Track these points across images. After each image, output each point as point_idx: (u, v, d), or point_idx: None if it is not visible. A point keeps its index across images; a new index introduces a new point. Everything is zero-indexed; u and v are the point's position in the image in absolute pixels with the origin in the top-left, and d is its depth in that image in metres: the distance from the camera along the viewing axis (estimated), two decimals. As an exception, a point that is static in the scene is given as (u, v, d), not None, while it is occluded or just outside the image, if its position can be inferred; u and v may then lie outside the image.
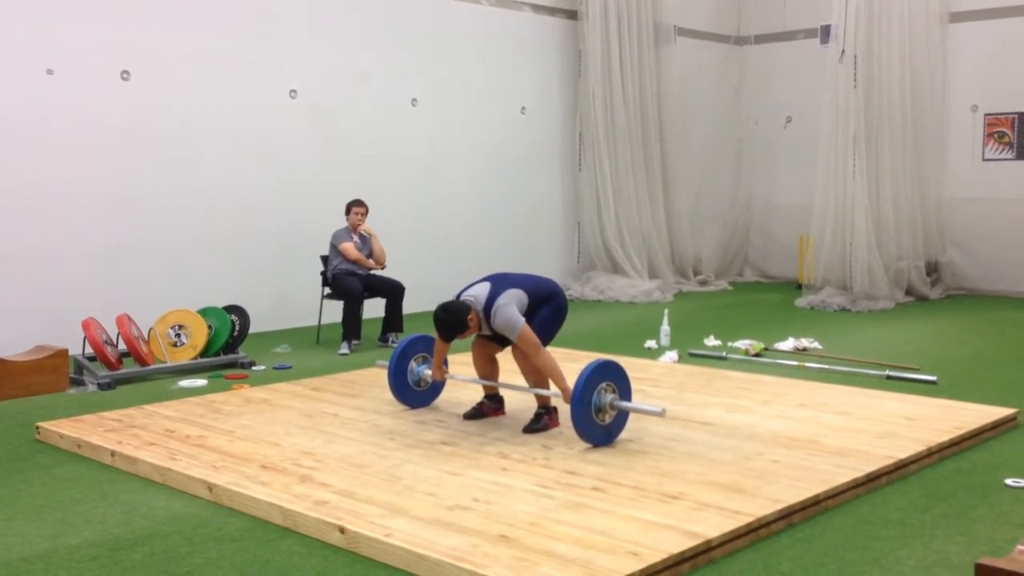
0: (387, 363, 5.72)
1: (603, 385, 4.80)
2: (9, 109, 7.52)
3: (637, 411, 4.93)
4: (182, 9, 8.40)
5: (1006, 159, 11.43)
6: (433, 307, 9.80)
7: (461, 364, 6.40)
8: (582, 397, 4.71)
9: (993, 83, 11.43)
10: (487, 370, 5.47)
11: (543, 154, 11.54)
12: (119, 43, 8.05)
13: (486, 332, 5.22)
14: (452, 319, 5.02)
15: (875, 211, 10.85)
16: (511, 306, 5.02)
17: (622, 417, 4.94)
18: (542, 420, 5.19)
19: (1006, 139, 11.41)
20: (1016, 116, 11.32)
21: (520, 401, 5.68)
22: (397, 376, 5.64)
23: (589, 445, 4.83)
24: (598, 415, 4.80)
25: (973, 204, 11.65)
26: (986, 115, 11.53)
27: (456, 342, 5.24)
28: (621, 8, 11.58)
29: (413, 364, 5.68)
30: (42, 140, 7.69)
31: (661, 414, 4.85)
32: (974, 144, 11.64)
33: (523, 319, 5.01)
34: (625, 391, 4.91)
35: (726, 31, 13.56)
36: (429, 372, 5.64)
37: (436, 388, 5.81)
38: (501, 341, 5.33)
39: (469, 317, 5.04)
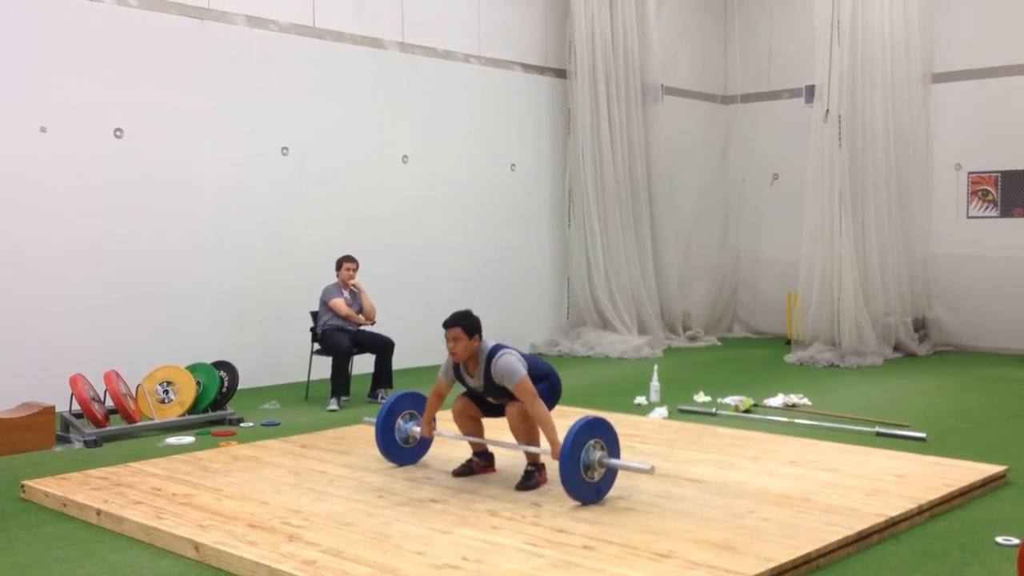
0: (374, 420, 5.70)
1: (591, 442, 4.79)
2: (2, 165, 7.56)
3: (626, 468, 4.91)
4: (174, 68, 8.50)
5: (990, 217, 11.57)
6: (423, 363, 9.82)
7: (449, 421, 6.37)
8: (570, 454, 4.70)
9: (976, 142, 11.61)
10: (472, 431, 5.47)
11: (533, 210, 11.63)
12: (112, 101, 8.12)
13: (476, 382, 5.21)
14: (468, 314, 5.10)
15: (862, 268, 10.94)
16: (513, 356, 5.08)
17: (611, 474, 4.92)
18: (533, 477, 5.17)
19: (990, 197, 11.56)
20: (999, 174, 11.48)
21: (510, 458, 5.66)
22: (384, 434, 5.62)
23: (578, 503, 4.81)
24: (587, 472, 4.79)
25: (959, 261, 11.76)
26: (970, 173, 11.69)
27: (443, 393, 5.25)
28: (609, 68, 11.76)
29: (400, 421, 5.67)
30: (34, 196, 7.72)
31: (650, 471, 4.83)
32: (958, 202, 11.78)
33: (525, 370, 5.03)
34: (613, 448, 4.90)
35: (712, 90, 13.77)
36: (417, 429, 5.62)
37: (424, 445, 5.79)
38: (483, 405, 5.34)
39: (476, 336, 5.08)
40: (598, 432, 4.84)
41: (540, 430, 5.11)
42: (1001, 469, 5.51)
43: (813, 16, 11.28)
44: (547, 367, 5.37)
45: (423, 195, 10.41)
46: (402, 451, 5.70)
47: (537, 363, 5.33)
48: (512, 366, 5.02)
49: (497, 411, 5.35)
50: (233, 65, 8.88)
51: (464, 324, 5.09)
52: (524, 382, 4.99)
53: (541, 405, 5.01)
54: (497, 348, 5.13)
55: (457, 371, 5.28)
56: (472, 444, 5.51)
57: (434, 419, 5.54)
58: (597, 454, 4.81)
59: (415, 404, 5.72)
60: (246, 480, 5.38)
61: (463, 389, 5.42)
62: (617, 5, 11.84)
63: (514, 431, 5.19)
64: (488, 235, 11.05)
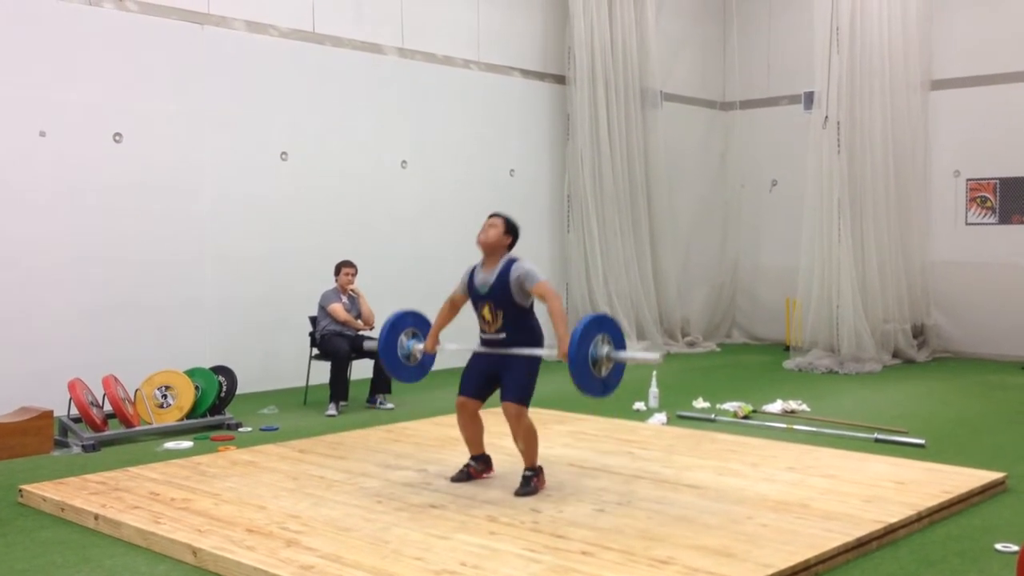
0: (376, 341, 5.71)
1: (599, 337, 4.85)
2: (1, 169, 7.56)
3: (634, 360, 5.00)
4: (174, 72, 8.50)
5: (989, 223, 11.58)
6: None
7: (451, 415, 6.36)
8: (578, 350, 4.75)
9: (974, 149, 11.62)
10: (472, 429, 5.44)
11: (532, 216, 11.60)
12: (112, 106, 8.13)
13: (486, 279, 5.20)
14: (514, 219, 5.31)
15: (860, 274, 10.94)
16: (532, 265, 5.19)
17: (618, 370, 4.96)
18: (531, 483, 5.17)
19: (988, 204, 11.57)
20: (998, 181, 11.49)
21: (508, 463, 5.66)
22: (387, 348, 5.62)
23: (589, 396, 4.91)
24: (595, 367, 4.83)
25: (957, 268, 11.76)
26: (968, 180, 11.71)
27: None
28: (608, 73, 11.78)
29: (403, 338, 5.68)
30: (33, 201, 7.72)
31: (658, 360, 4.99)
32: (957, 209, 11.79)
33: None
34: (620, 344, 4.95)
35: (711, 96, 13.79)
36: (419, 346, 5.63)
37: (424, 366, 5.79)
38: (480, 390, 5.29)
39: (510, 237, 5.29)
40: (606, 328, 4.90)
41: (531, 436, 5.14)
42: (1000, 476, 5.51)
43: (812, 23, 11.30)
44: (539, 328, 5.32)
45: (422, 200, 10.41)
46: (403, 368, 5.72)
47: (535, 317, 5.31)
48: (534, 271, 5.13)
49: (491, 387, 5.32)
50: (232, 70, 8.88)
51: (507, 219, 5.32)
52: (545, 283, 5.08)
53: (559, 302, 5.08)
54: (512, 260, 5.23)
55: (472, 276, 5.30)
56: (468, 439, 5.44)
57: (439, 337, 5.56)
58: (605, 348, 4.85)
59: (418, 323, 5.73)
60: (244, 485, 5.37)
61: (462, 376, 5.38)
62: (616, 11, 11.87)
63: (513, 433, 5.18)
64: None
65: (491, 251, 5.27)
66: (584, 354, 4.77)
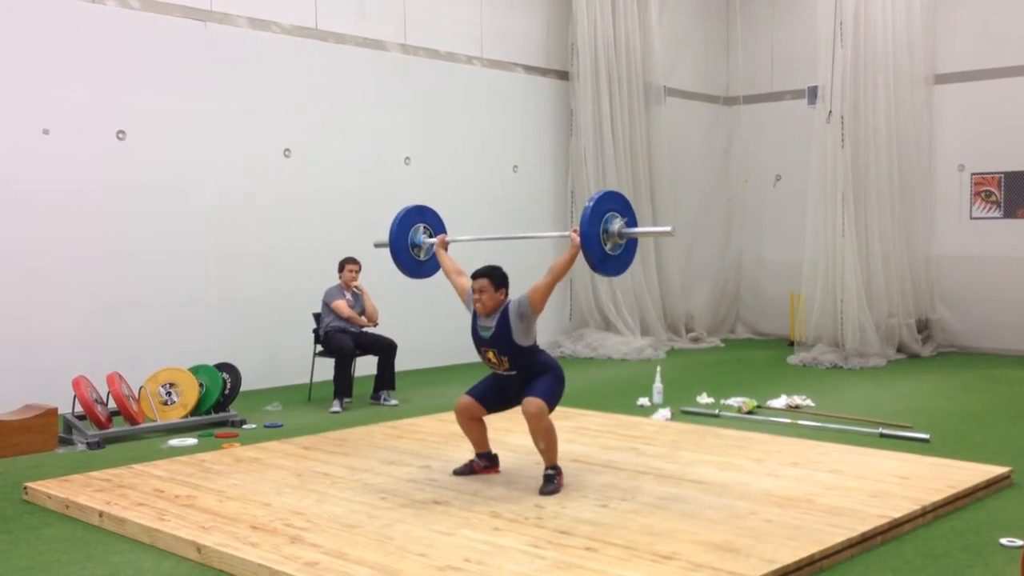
0: (386, 241, 5.88)
1: (612, 212, 4.95)
2: (5, 168, 7.57)
3: (646, 234, 5.10)
4: (177, 70, 8.51)
5: (993, 218, 11.55)
6: (426, 365, 9.79)
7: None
8: (592, 216, 4.84)
9: (979, 143, 11.59)
10: (475, 432, 5.42)
11: (535, 212, 11.62)
12: (115, 103, 8.13)
13: (487, 324, 5.14)
14: (497, 267, 5.19)
15: (865, 269, 10.93)
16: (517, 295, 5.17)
17: (629, 250, 5.04)
18: (554, 480, 5.12)
19: (993, 198, 11.55)
20: (1002, 175, 11.46)
21: (512, 460, 5.66)
22: (400, 228, 5.83)
23: (599, 268, 5.01)
24: (604, 237, 4.92)
25: (962, 262, 11.74)
26: (973, 175, 11.68)
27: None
28: (612, 69, 11.76)
29: (422, 226, 5.80)
30: (37, 199, 7.73)
31: (671, 233, 5.16)
32: (961, 203, 11.76)
33: None
34: (632, 222, 5.05)
35: (715, 91, 13.76)
36: (431, 241, 5.81)
37: (426, 266, 6.03)
38: (489, 403, 5.29)
39: (502, 290, 5.15)
40: (622, 210, 4.99)
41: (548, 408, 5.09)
42: (1005, 470, 5.50)
43: (816, 17, 11.27)
44: (552, 360, 5.34)
45: (425, 197, 10.28)
46: (408, 258, 5.95)
47: (543, 353, 5.31)
48: (520, 296, 5.09)
49: (503, 404, 5.32)
50: (235, 67, 8.88)
51: (491, 276, 5.14)
52: (531, 289, 5.04)
53: (559, 270, 5.06)
54: (510, 299, 5.19)
55: (474, 317, 5.26)
56: (473, 440, 5.44)
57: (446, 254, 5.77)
58: (617, 224, 4.95)
59: (434, 224, 5.97)
60: (248, 482, 5.38)
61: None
62: (619, 6, 11.84)
63: (533, 432, 5.09)
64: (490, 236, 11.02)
65: (494, 312, 5.17)
66: (597, 221, 4.87)
